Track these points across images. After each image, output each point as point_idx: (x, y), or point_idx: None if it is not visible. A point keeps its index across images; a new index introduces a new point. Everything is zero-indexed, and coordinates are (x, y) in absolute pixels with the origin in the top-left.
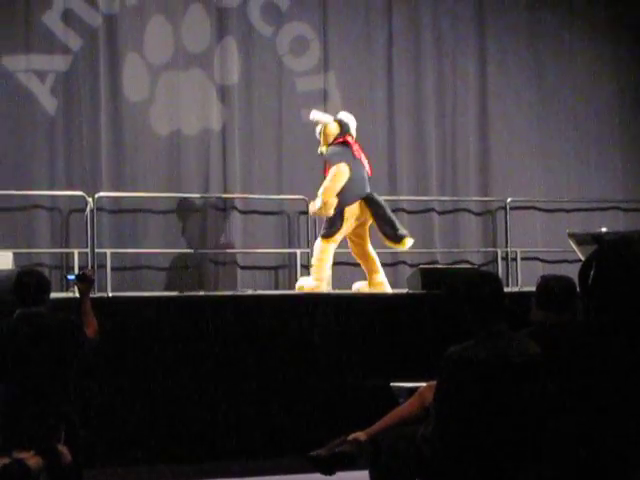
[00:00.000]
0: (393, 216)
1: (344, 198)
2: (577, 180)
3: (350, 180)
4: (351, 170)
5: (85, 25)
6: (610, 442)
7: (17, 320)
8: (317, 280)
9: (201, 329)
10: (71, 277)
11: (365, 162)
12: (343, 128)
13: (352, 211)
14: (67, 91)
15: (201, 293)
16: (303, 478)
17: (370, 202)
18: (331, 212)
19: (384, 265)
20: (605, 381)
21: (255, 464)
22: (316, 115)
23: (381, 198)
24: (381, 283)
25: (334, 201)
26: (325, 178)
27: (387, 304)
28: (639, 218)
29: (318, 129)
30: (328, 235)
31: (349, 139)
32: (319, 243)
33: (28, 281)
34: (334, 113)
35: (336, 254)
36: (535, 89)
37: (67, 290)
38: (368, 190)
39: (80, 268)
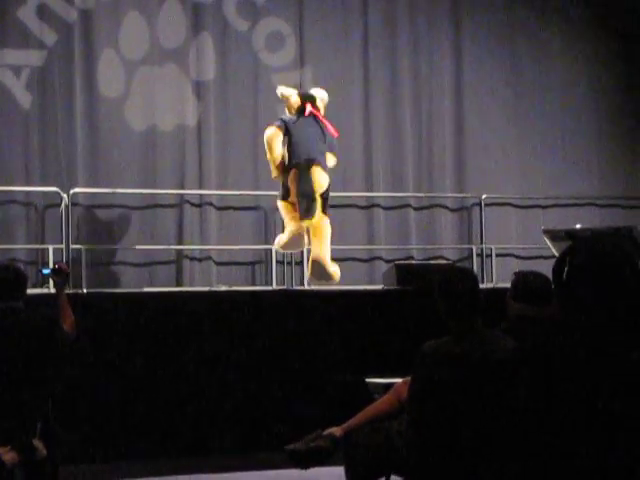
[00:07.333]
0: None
1: (288, 160)
2: (552, 177)
3: (292, 143)
4: (290, 132)
5: (60, 20)
6: (583, 437)
7: None
8: (288, 233)
9: (176, 325)
10: (46, 271)
11: (322, 125)
12: (303, 99)
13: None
14: (42, 86)
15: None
16: (276, 474)
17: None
18: (276, 175)
19: (359, 261)
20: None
21: (230, 460)
22: (281, 90)
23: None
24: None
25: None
26: None
27: (363, 300)
28: (614, 214)
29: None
30: (282, 197)
31: (307, 107)
32: (279, 204)
33: (4, 276)
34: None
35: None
36: (511, 86)
37: (42, 286)
38: (311, 156)
39: (54, 263)
